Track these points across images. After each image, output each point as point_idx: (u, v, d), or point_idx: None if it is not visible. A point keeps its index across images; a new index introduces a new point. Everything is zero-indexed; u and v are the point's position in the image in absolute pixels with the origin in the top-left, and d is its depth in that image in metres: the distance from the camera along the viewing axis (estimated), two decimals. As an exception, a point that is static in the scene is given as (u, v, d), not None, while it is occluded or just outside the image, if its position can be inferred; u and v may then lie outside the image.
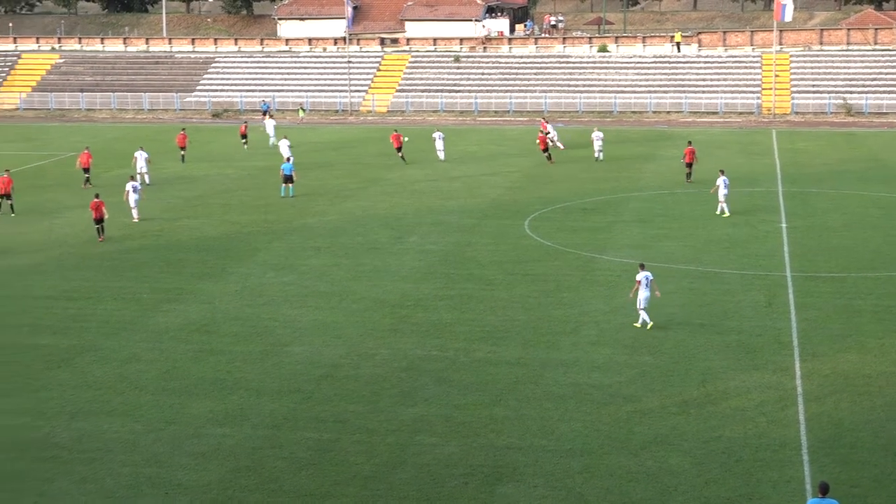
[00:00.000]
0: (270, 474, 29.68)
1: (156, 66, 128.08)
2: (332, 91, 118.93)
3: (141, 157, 72.78)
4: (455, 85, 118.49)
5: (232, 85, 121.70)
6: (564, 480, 29.00)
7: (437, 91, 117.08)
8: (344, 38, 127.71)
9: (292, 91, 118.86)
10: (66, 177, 76.37)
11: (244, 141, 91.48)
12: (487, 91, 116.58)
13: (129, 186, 61.71)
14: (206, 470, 30.00)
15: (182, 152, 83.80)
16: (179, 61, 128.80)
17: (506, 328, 41.70)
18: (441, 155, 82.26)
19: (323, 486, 28.94)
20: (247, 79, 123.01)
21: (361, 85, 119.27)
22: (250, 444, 31.66)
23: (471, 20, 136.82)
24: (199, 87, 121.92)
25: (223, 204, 66.36)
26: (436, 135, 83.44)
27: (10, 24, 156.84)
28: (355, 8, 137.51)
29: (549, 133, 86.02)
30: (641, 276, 41.37)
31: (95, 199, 57.37)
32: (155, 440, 32.03)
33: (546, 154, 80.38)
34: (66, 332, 42.16)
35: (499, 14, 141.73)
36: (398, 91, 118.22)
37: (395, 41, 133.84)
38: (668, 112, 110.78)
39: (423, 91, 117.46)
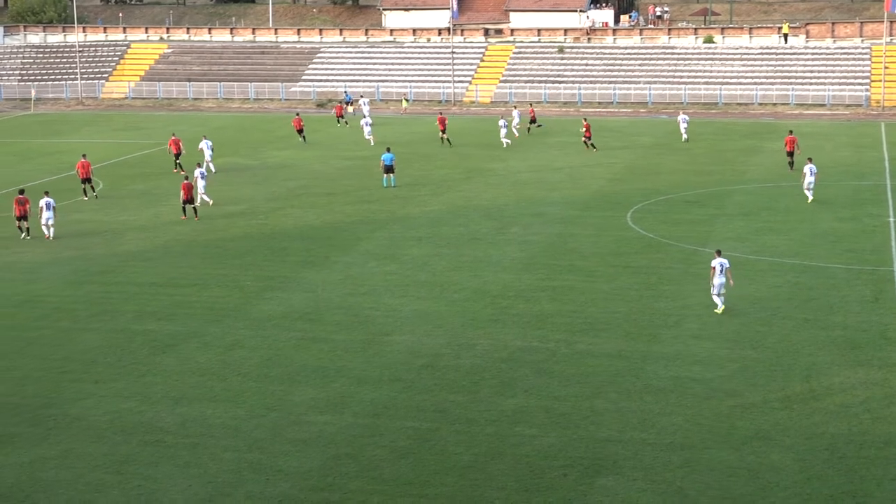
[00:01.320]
0: (370, 462, 29.86)
1: (262, 56, 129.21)
2: (436, 81, 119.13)
3: (206, 146, 74.25)
4: (559, 76, 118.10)
5: (336, 75, 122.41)
6: (664, 474, 28.84)
7: (540, 82, 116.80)
8: (448, 29, 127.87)
9: (396, 81, 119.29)
10: (172, 165, 77.36)
11: (344, 120, 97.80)
12: (591, 82, 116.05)
13: (196, 173, 63.24)
14: (307, 457, 30.26)
15: (301, 134, 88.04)
16: (285, 51, 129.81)
17: (606, 320, 41.54)
18: (505, 140, 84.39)
19: (422, 475, 29.05)
20: (351, 69, 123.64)
21: (465, 75, 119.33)
22: (351, 431, 31.87)
23: (575, 11, 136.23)
24: (304, 77, 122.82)
25: (327, 193, 66.83)
26: (501, 122, 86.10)
27: (121, 15, 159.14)
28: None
29: (514, 121, 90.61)
30: (716, 262, 41.66)
31: (186, 181, 59.80)
32: (257, 426, 32.37)
33: (589, 143, 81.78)
34: (171, 318, 42.75)
35: (604, 4, 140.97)
36: (501, 81, 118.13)
37: (499, 32, 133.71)
38: (775, 104, 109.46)
39: (526, 82, 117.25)
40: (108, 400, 34.58)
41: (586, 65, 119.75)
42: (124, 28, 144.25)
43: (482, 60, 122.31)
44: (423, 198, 64.93)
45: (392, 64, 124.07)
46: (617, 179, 70.29)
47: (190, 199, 59.83)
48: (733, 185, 67.89)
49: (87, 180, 65.66)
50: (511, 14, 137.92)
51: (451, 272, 48.61)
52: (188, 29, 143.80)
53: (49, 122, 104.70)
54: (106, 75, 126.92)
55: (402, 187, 67.70)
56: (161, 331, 41.16)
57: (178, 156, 74.84)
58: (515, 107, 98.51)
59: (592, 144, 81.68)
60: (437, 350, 38.56)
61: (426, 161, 78.03)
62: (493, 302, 44.04)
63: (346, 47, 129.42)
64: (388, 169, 68.12)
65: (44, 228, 55.78)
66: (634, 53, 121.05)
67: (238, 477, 29.13)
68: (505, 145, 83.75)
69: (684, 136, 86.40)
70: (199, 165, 65.19)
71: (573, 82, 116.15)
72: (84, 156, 67.55)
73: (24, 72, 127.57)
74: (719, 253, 42.46)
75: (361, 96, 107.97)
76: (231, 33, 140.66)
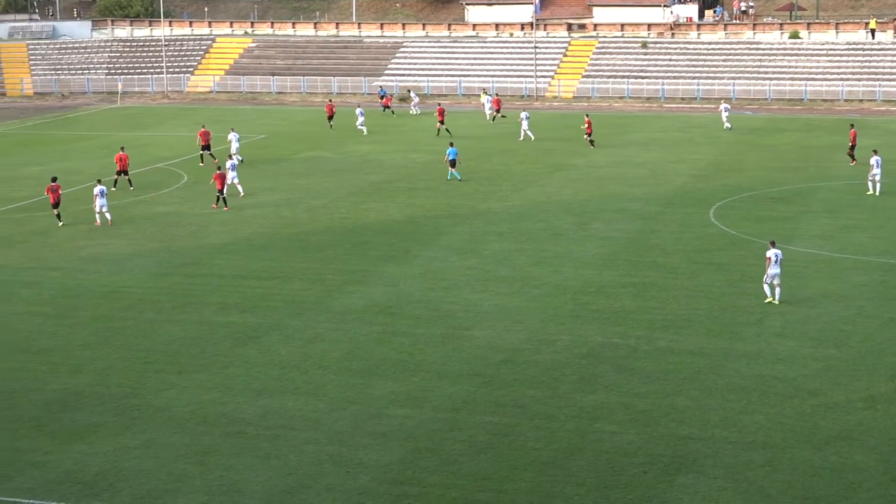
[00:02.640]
0: (449, 456, 29.92)
1: (345, 51, 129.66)
2: (518, 76, 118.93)
3: (234, 138, 75.91)
4: (642, 71, 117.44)
5: (419, 69, 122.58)
6: (745, 473, 28.63)
7: (623, 77, 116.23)
8: (531, 24, 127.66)
9: (478, 76, 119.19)
10: (254, 158, 77.94)
11: (390, 110, 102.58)
12: (674, 77, 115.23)
13: (228, 165, 64.44)
14: (387, 450, 30.39)
15: (330, 121, 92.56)
16: (368, 45, 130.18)
17: (688, 317, 41.28)
18: (529, 134, 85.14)
19: (501, 470, 29.07)
20: (434, 64, 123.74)
21: (548, 70, 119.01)
22: (430, 426, 31.96)
23: (659, 6, 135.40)
24: (386, 72, 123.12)
25: (409, 188, 66.96)
26: (523, 115, 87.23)
27: (206, 9, 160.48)
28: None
29: (486, 107, 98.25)
30: (771, 252, 42.19)
31: (219, 172, 61.51)
32: (337, 419, 32.56)
33: (589, 139, 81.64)
34: (253, 310, 43.09)
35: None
36: (584, 77, 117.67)
37: (582, 27, 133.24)
38: (861, 100, 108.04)
39: (609, 77, 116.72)
40: (191, 391, 34.96)
41: (670, 60, 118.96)
42: (209, 22, 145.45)
43: (565, 55, 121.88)
44: (503, 193, 64.87)
45: (474, 58, 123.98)
46: (700, 175, 69.77)
47: (222, 189, 61.42)
48: (818, 181, 67.14)
49: (123, 172, 66.92)
50: (594, 9, 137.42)
51: (531, 267, 48.55)
52: (272, 23, 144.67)
53: (135, 115, 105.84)
54: (191, 69, 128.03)
55: (483, 181, 67.72)
56: (243, 323, 41.51)
57: (206, 147, 76.04)
58: (485, 91, 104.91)
59: (591, 141, 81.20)
60: (517, 345, 38.54)
61: (507, 156, 77.94)
62: (573, 298, 43.93)
63: (429, 42, 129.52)
64: (452, 163, 68.65)
65: (97, 216, 57.63)
66: (718, 49, 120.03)
67: (318, 469, 29.33)
68: (532, 138, 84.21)
69: (727, 124, 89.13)
70: (231, 157, 66.34)
71: (656, 78, 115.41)
72: (122, 148, 69.11)
73: (112, 65, 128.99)
74: (773, 244, 42.84)
75: (409, 90, 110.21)
76: (314, 28, 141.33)
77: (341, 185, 67.83)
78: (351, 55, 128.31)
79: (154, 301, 44.57)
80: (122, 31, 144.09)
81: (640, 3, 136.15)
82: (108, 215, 57.60)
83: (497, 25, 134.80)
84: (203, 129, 77.29)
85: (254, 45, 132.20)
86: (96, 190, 57.72)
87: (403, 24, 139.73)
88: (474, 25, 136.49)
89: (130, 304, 44.27)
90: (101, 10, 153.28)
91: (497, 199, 63.22)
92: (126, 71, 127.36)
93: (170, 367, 37.15)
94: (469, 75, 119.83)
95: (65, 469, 29.64)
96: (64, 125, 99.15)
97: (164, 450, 30.69)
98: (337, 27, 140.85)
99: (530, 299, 43.90)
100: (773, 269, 42.09)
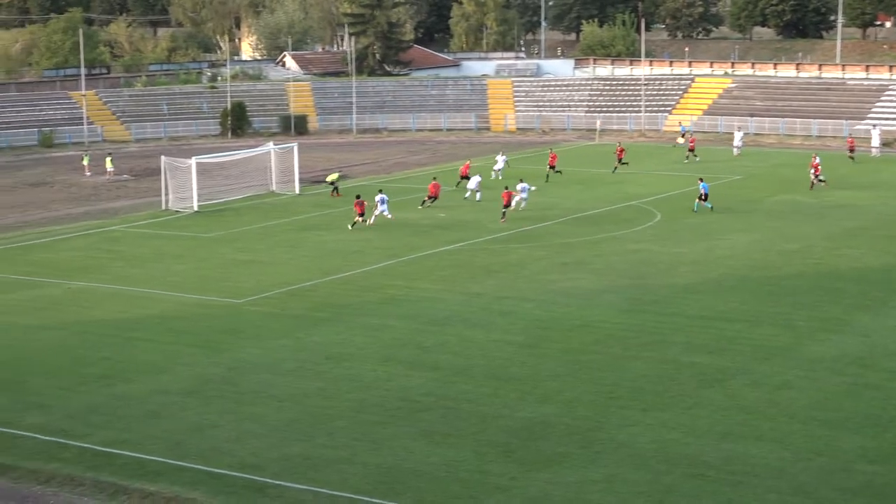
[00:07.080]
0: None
1: (826, 93, 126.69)
2: None
3: (501, 160, 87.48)
4: None
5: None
6: None
7: None
8: None
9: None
10: (729, 199, 77.17)
11: (694, 154, 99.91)
12: None
13: (519, 187, 72.31)
14: (853, 506, 29.42)
15: (553, 169, 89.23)
16: (851, 88, 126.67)
17: None
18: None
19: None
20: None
21: None
22: (903, 484, 30.69)
23: None
24: (869, 115, 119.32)
25: (888, 235, 64.48)
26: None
27: (686, 49, 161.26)
28: None
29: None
30: None
31: (506, 191, 70.46)
32: (802, 470, 31.77)
33: (817, 180, 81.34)
34: (720, 352, 42.73)
35: None
36: None
37: None
38: None
39: None
40: (654, 429, 35.06)
41: None
42: (689, 62, 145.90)
43: None
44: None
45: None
46: None
47: (508, 205, 69.49)
48: None
49: (434, 198, 75.46)
50: None
51: None
52: (753, 64, 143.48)
53: (611, 153, 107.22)
54: (669, 108, 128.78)
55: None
56: (709, 364, 41.25)
57: (465, 178, 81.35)
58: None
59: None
60: None
61: None
62: None
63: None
64: (704, 196, 72.13)
65: (373, 217, 68.51)
66: None
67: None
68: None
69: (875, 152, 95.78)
70: (522, 181, 73.40)
71: None
72: (434, 178, 77.95)
73: (591, 103, 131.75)
74: None
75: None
76: (796, 69, 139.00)
77: (815, 230, 66.22)
78: (832, 98, 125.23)
79: (621, 337, 45.03)
80: (603, 69, 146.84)
81: None
82: (389, 215, 68.91)
83: None
84: (467, 163, 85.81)
85: (733, 85, 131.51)
86: (377, 198, 69.11)
87: (890, 67, 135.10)
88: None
89: (598, 338, 44.93)
90: (583, 50, 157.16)
91: (984, 251, 59.88)
92: (605, 109, 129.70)
93: (634, 403, 37.41)
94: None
95: (529, 496, 30.39)
96: (541, 160, 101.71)
97: (625, 485, 30.92)
98: (819, 69, 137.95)
99: None
100: None
